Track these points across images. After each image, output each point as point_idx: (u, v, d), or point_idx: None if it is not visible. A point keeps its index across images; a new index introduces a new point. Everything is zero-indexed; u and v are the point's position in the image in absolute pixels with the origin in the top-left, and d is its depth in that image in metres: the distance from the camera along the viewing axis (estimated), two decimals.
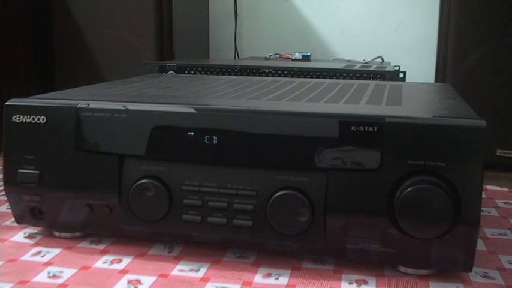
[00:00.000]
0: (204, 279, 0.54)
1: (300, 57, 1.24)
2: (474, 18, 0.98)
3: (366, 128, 0.52)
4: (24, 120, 0.59)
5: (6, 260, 0.57)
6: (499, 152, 1.00)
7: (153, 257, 0.59)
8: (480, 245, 0.63)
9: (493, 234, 0.67)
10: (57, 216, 0.61)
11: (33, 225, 0.63)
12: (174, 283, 0.53)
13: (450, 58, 1.01)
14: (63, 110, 0.59)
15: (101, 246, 0.61)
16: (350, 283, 0.54)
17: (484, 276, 0.55)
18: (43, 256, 0.59)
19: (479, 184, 0.50)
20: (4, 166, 0.60)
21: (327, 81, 0.85)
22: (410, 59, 1.40)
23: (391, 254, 0.54)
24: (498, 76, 0.98)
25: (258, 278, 0.54)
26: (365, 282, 0.54)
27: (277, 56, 1.33)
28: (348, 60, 1.32)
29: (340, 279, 0.54)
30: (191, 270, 0.56)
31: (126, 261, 0.58)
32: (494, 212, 0.76)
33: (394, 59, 1.30)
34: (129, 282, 0.53)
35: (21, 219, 0.62)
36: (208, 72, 1.04)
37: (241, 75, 1.02)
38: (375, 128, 0.52)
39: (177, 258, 0.58)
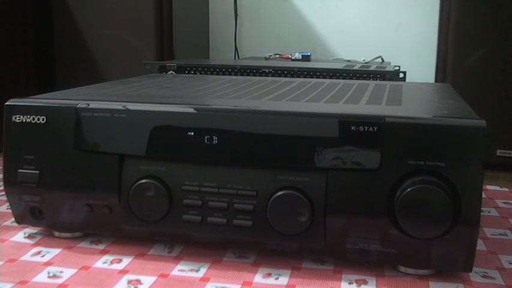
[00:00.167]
0: (204, 279, 0.54)
1: (300, 57, 1.24)
2: (474, 18, 0.98)
3: (366, 128, 0.52)
4: (24, 120, 0.59)
5: (6, 260, 0.57)
6: (499, 152, 1.00)
7: (153, 257, 0.59)
8: (480, 245, 0.63)
9: (493, 234, 0.67)
10: (57, 216, 0.61)
11: (33, 225, 0.63)
12: (174, 283, 0.53)
13: (450, 58, 1.01)
14: (63, 110, 0.59)
15: (101, 246, 0.61)
16: (350, 283, 0.54)
17: (484, 276, 0.55)
18: (43, 256, 0.59)
19: (479, 184, 0.50)
20: (4, 166, 0.60)
21: (327, 81, 0.85)
22: (410, 59, 1.40)
23: (391, 254, 0.54)
24: (498, 76, 0.98)
25: (258, 278, 0.54)
26: (365, 282, 0.54)
27: (277, 56, 1.33)
28: (348, 60, 1.32)
29: (340, 279, 0.54)
30: (191, 270, 0.56)
31: (126, 261, 0.58)
32: (494, 212, 0.76)
33: (394, 59, 1.30)
34: (129, 282, 0.53)
35: (21, 219, 0.62)
36: (208, 72, 1.04)
37: (241, 75, 1.02)
38: (375, 128, 0.52)
39: (177, 258, 0.58)
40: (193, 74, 1.04)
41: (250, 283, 0.53)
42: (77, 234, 0.63)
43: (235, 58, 1.55)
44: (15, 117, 0.59)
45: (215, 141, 0.55)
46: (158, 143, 0.56)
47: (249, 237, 0.56)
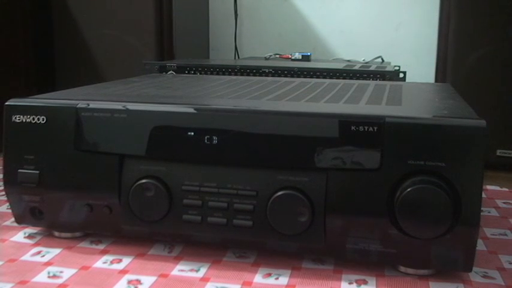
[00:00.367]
0: (204, 279, 0.54)
1: (300, 57, 1.24)
2: (474, 18, 0.98)
3: (366, 128, 0.52)
4: (24, 120, 0.59)
5: (6, 260, 0.57)
6: (499, 152, 1.00)
7: (153, 257, 0.59)
8: (480, 245, 0.63)
9: (493, 234, 0.67)
10: (57, 216, 0.61)
11: (33, 225, 0.63)
12: (174, 283, 0.53)
13: (450, 58, 1.01)
14: (63, 110, 0.59)
15: (101, 246, 0.61)
16: (350, 283, 0.54)
17: (484, 276, 0.55)
18: (43, 256, 0.59)
19: (479, 184, 0.50)
20: (4, 166, 0.60)
21: (327, 81, 0.85)
22: (410, 59, 1.40)
23: (391, 254, 0.54)
24: (498, 76, 0.98)
25: (258, 278, 0.54)
26: (365, 282, 0.54)
27: (277, 56, 1.33)
28: (348, 60, 1.32)
29: (340, 279, 0.54)
30: (191, 270, 0.56)
31: (126, 261, 0.58)
32: (494, 212, 0.76)
33: (394, 59, 1.30)
34: (129, 282, 0.53)
35: (21, 219, 0.62)
36: (208, 72, 1.04)
37: (241, 75, 1.02)
38: (375, 128, 0.52)
39: (177, 258, 0.58)
40: (193, 74, 1.04)
41: (250, 283, 0.53)
42: (77, 234, 0.63)
43: (235, 58, 1.55)
44: (15, 117, 0.59)
45: (215, 141, 0.55)
46: (158, 143, 0.56)
47: (249, 237, 0.56)
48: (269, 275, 0.55)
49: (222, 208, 0.55)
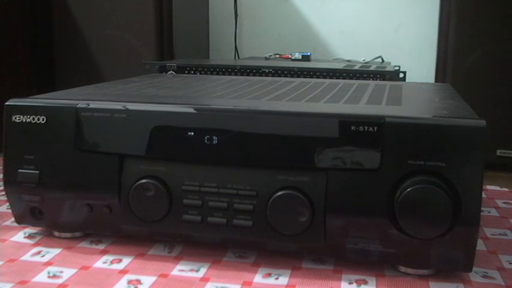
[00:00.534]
0: (204, 279, 0.54)
1: (300, 57, 1.24)
2: (474, 18, 0.98)
3: (366, 128, 0.52)
4: (24, 120, 0.59)
5: (6, 260, 0.57)
6: (499, 152, 1.00)
7: (153, 257, 0.59)
8: (480, 245, 0.63)
9: (493, 234, 0.67)
10: (57, 216, 0.61)
11: (33, 225, 0.63)
12: (174, 283, 0.53)
13: (450, 58, 1.01)
14: (63, 110, 0.59)
15: (101, 246, 0.61)
16: (350, 283, 0.54)
17: (484, 276, 0.55)
18: (43, 256, 0.59)
19: (479, 184, 0.50)
20: (4, 166, 0.60)
21: (327, 81, 0.85)
22: (410, 59, 1.40)
23: (391, 254, 0.54)
24: (498, 76, 0.98)
25: (258, 278, 0.54)
26: (365, 282, 0.54)
27: (277, 56, 1.33)
28: (348, 60, 1.32)
29: (340, 279, 0.54)
30: (191, 270, 0.56)
31: (126, 261, 0.58)
32: (494, 212, 0.76)
33: (394, 59, 1.30)
34: (129, 282, 0.53)
35: (21, 219, 0.62)
36: (208, 72, 1.04)
37: (241, 75, 1.02)
38: (375, 128, 0.52)
39: (177, 258, 0.58)
40: (193, 74, 1.04)
41: (250, 283, 0.53)
42: (77, 234, 0.63)
43: (235, 58, 1.55)
44: (15, 117, 0.59)
45: (215, 141, 0.55)
46: (158, 143, 0.56)
47: (249, 237, 0.56)
48: (269, 275, 0.55)
49: (222, 208, 0.55)
